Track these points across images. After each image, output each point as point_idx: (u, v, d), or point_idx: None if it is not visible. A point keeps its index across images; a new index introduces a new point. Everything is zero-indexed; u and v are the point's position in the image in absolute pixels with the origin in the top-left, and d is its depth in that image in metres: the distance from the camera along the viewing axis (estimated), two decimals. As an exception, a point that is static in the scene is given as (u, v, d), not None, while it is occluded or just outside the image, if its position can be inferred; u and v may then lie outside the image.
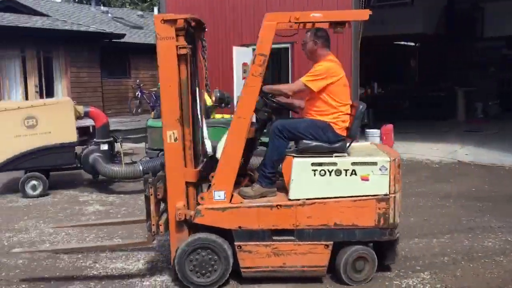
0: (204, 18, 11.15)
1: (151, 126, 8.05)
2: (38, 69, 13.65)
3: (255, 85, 3.90)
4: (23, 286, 4.16)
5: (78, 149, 7.74)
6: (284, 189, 4.05)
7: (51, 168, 7.59)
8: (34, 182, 7.26)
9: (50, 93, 14.05)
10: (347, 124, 4.11)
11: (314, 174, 3.90)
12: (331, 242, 3.94)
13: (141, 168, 7.12)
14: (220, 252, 3.93)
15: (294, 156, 3.99)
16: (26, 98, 13.04)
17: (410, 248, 4.83)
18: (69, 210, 6.57)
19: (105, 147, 7.61)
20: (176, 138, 3.94)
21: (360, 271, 3.98)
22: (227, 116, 8.42)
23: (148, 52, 17.55)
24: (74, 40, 14.32)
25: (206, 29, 4.34)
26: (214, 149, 6.33)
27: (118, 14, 23.16)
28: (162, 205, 4.19)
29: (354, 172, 3.89)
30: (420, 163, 9.16)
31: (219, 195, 3.98)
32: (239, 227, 3.95)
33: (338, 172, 3.89)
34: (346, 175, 3.89)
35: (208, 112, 7.86)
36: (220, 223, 3.95)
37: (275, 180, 4.16)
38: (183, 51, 3.85)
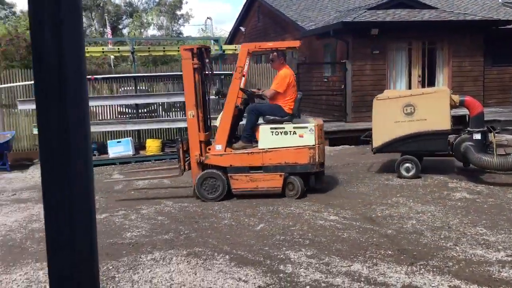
0: None
1: None
2: (422, 60, 14.39)
3: (236, 84, 6.89)
4: (389, 252, 4.81)
5: (451, 137, 7.98)
6: (255, 144, 6.97)
7: (424, 153, 8.11)
8: (408, 164, 7.94)
9: (431, 83, 14.59)
10: (291, 106, 7.01)
11: (272, 134, 6.79)
12: (283, 173, 6.80)
13: None
14: (220, 179, 6.82)
15: (261, 125, 6.93)
16: (409, 87, 14.00)
17: None
18: (437, 194, 6.95)
19: (478, 136, 7.60)
20: (193, 115, 6.89)
21: (291, 190, 6.83)
22: None
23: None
24: (458, 30, 14.34)
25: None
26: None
27: (510, -2, 21.63)
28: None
29: (295, 133, 6.75)
30: None
31: (218, 147, 6.89)
32: (230, 165, 6.87)
33: (285, 133, 6.77)
34: (290, 134, 6.76)
35: None
36: (219, 163, 6.92)
37: (251, 139, 7.02)
38: (195, 66, 6.83)
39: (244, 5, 22.09)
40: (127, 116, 12.04)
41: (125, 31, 50.66)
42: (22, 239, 5.56)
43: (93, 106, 11.64)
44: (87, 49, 12.17)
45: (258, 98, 7.61)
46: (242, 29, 22.22)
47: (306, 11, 17.73)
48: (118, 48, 12.78)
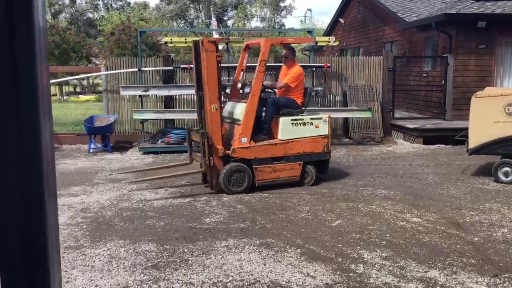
0: None
1: None
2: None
3: (260, 77, 7.07)
4: (472, 261, 4.51)
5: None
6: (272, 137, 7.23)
7: None
8: (507, 168, 7.35)
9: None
10: (302, 100, 7.53)
11: (292, 125, 7.19)
12: (301, 162, 7.21)
13: None
14: (246, 172, 6.89)
15: (280, 117, 7.18)
16: (518, 86, 12.90)
17: None
18: (537, 202, 6.37)
19: None
20: (216, 108, 6.78)
21: (306, 177, 7.29)
22: None
23: None
24: None
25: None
26: None
27: None
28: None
29: (312, 123, 7.28)
30: None
31: (244, 140, 6.94)
32: (255, 157, 7.00)
33: (304, 124, 7.25)
34: (308, 125, 7.26)
35: None
36: (246, 155, 6.97)
37: (270, 131, 7.23)
38: (219, 58, 6.83)
39: (345, -3, 21.67)
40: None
41: (229, 22, 52.03)
42: (111, 216, 5.95)
43: (189, 94, 12.11)
44: (185, 39, 12.66)
45: (270, 91, 7.82)
46: (342, 20, 21.83)
47: (409, 2, 16.99)
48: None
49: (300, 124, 7.25)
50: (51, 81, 17.76)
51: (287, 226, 5.49)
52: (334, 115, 11.79)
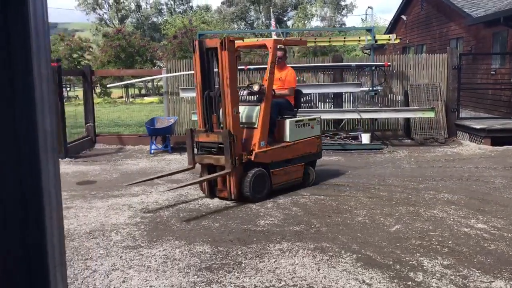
0: None
1: None
2: None
3: (272, 79, 6.91)
4: None
5: None
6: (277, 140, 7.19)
7: None
8: None
9: None
10: (293, 101, 7.64)
11: (296, 127, 7.23)
12: (303, 163, 7.32)
13: None
14: (266, 176, 6.72)
15: (286, 119, 7.18)
16: None
17: None
18: None
19: None
20: (237, 112, 6.50)
21: (308, 177, 7.45)
22: None
23: None
24: None
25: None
26: None
27: None
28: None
29: (309, 124, 7.43)
30: None
31: (262, 144, 6.73)
32: (272, 160, 6.83)
33: (303, 125, 7.35)
34: (306, 126, 7.40)
35: None
36: (265, 159, 6.76)
37: (274, 134, 7.16)
38: (238, 59, 6.74)
39: (407, -7, 21.02)
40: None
41: (289, 23, 51.96)
42: (168, 217, 6.05)
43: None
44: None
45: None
46: (404, 17, 21.20)
47: (476, -4, 16.22)
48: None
49: (301, 125, 7.31)
50: (116, 84, 18.46)
51: (343, 230, 5.35)
52: (395, 115, 11.45)
